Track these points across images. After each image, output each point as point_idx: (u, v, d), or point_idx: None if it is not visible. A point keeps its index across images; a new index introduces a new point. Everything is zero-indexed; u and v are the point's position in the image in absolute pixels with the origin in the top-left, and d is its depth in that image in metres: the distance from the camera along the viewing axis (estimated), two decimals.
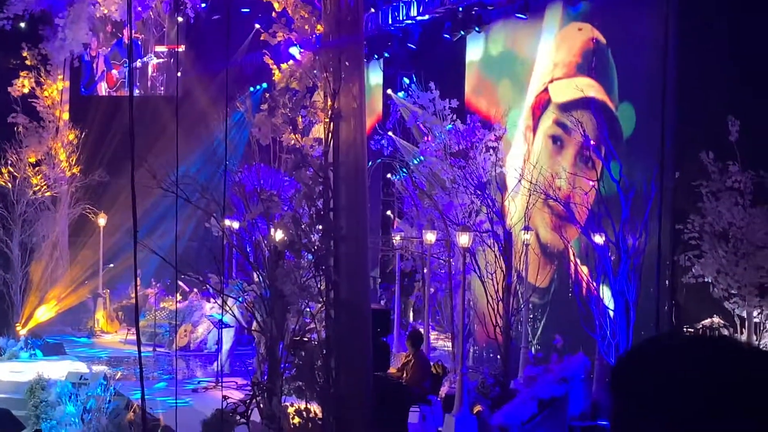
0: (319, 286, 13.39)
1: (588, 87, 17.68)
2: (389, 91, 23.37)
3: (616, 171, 15.73)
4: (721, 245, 13.33)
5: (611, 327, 15.03)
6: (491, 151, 18.15)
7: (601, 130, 16.22)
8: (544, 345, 18.42)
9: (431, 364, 16.11)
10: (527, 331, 17.88)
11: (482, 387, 15.99)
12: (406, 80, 21.92)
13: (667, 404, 1.73)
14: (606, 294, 15.49)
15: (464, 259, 15.95)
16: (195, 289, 23.90)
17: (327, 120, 13.36)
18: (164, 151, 16.48)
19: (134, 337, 12.55)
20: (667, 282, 15.85)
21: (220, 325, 18.95)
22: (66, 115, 24.03)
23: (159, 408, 15.95)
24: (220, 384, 16.84)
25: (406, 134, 21.83)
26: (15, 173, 22.74)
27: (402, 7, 22.12)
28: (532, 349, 18.24)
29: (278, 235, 13.57)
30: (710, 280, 13.56)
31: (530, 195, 17.01)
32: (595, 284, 15.67)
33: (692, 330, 14.44)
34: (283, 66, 14.63)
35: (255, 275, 14.02)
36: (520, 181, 17.49)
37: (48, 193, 23.32)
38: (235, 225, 15.12)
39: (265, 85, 25.36)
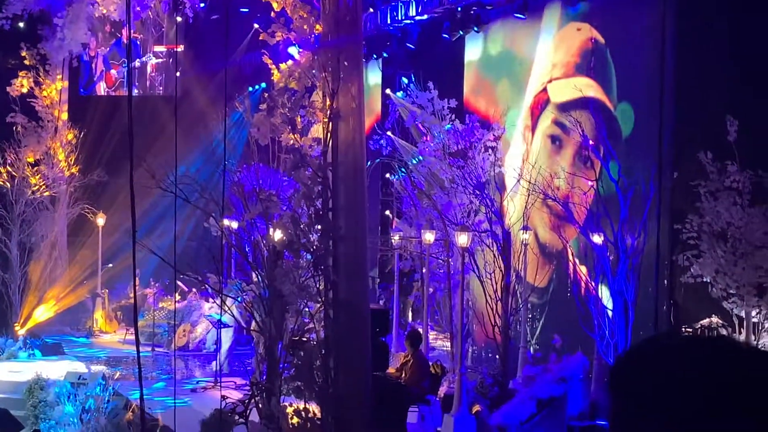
0: (317, 286, 13.39)
1: (587, 87, 17.69)
2: (388, 91, 23.36)
3: (615, 171, 15.74)
4: (720, 245, 13.34)
5: (610, 327, 15.04)
6: (490, 151, 18.15)
7: (600, 130, 16.22)
8: (543, 345, 18.43)
9: (430, 364, 16.11)
10: (526, 331, 17.88)
11: (481, 387, 16.00)
12: (405, 80, 21.92)
13: (665, 404, 1.73)
14: (605, 294, 15.50)
15: (463, 259, 15.96)
16: (194, 289, 23.90)
17: (326, 120, 13.36)
18: (163, 150, 16.49)
19: (133, 337, 12.54)
20: (665, 282, 15.86)
21: (219, 325, 18.94)
22: (65, 115, 24.04)
23: (158, 408, 15.95)
24: (218, 384, 16.84)
25: (405, 134, 21.83)
26: (14, 173, 22.75)
27: (401, 6, 22.11)
28: (531, 348, 18.24)
29: (277, 234, 13.57)
30: (709, 280, 13.56)
31: (529, 195, 17.01)
32: (593, 284, 15.68)
33: (691, 330, 14.45)
34: (282, 66, 14.63)
35: (254, 275, 14.02)
36: (518, 181, 17.50)
37: (47, 193, 23.33)
38: (234, 225, 15.12)
39: (263, 84, 25.36)
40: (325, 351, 13.11)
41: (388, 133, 21.79)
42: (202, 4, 24.67)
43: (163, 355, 21.97)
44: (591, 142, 16.35)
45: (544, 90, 19.50)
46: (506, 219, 17.51)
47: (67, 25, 22.77)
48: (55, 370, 17.75)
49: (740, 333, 13.44)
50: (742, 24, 14.67)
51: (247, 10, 24.96)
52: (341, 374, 13.00)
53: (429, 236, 18.54)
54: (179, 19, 26.09)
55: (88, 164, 24.40)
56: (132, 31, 22.19)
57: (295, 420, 13.15)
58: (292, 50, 14.83)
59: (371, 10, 22.54)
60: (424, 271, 19.63)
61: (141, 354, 10.15)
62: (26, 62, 22.93)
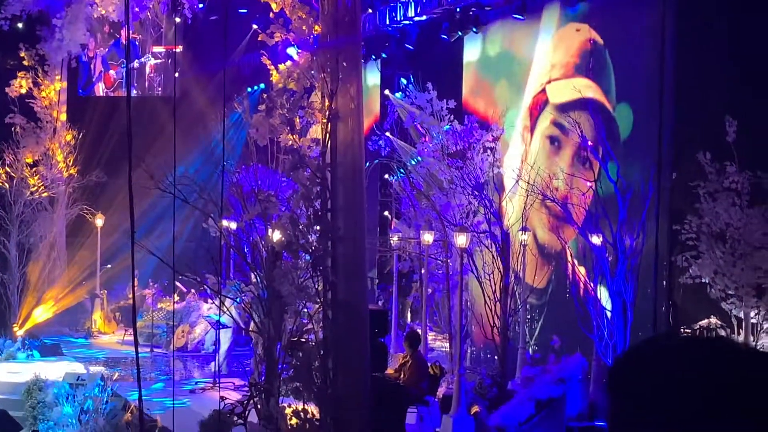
0: (316, 286, 13.38)
1: (585, 87, 17.69)
2: (387, 92, 23.36)
3: (614, 171, 15.74)
4: (719, 246, 13.35)
5: (608, 327, 15.04)
6: (489, 151, 18.15)
7: (599, 131, 16.23)
8: (542, 345, 18.44)
9: (429, 364, 16.11)
10: (525, 332, 17.88)
11: (480, 388, 15.99)
12: (404, 81, 21.91)
13: (664, 405, 1.73)
14: (603, 294, 15.50)
15: (462, 260, 15.96)
16: (192, 290, 23.89)
17: (324, 121, 13.35)
18: (162, 151, 16.48)
19: (132, 338, 12.53)
20: (664, 282, 15.86)
21: (218, 325, 18.94)
22: (63, 116, 24.03)
23: (156, 409, 15.95)
24: (217, 385, 16.84)
25: (404, 135, 21.83)
26: (12, 174, 22.74)
27: (399, 7, 22.11)
28: (530, 349, 18.24)
29: (276, 235, 13.57)
30: (707, 281, 13.57)
31: (528, 195, 17.02)
32: (592, 285, 15.68)
33: (689, 331, 14.45)
34: (281, 66, 14.63)
35: (252, 276, 14.01)
36: (517, 181, 17.50)
37: (45, 194, 23.32)
38: (233, 225, 15.12)
39: (262, 85, 25.36)
40: (323, 352, 13.10)
41: (387, 134, 21.79)
42: (200, 5, 24.67)
43: (162, 355, 21.96)
44: (590, 143, 16.36)
45: (543, 91, 19.51)
46: (505, 220, 17.51)
47: (66, 26, 22.77)
48: (54, 370, 17.73)
49: (739, 334, 13.44)
50: (741, 24, 14.67)
51: (245, 10, 24.97)
52: (340, 375, 12.99)
53: (428, 237, 18.54)
54: (178, 19, 26.09)
55: (86, 165, 24.40)
56: (131, 31, 22.19)
57: (294, 421, 13.14)
58: (291, 51, 14.83)
59: (370, 10, 22.54)
60: (422, 271, 19.63)
61: (140, 355, 10.15)
62: (25, 63, 22.93)
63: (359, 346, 13.25)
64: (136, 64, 27.74)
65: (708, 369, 1.73)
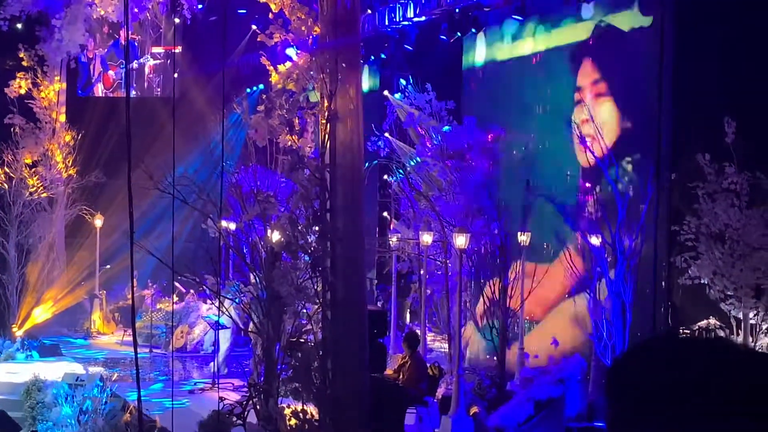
0: (315, 287, 13.38)
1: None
2: (386, 93, 23.35)
3: (613, 172, 15.75)
4: (718, 247, 13.36)
5: (608, 328, 15.04)
6: (488, 152, 18.14)
7: (598, 131, 16.25)
8: (541, 346, 18.42)
9: (428, 365, 16.11)
10: (524, 332, 17.87)
11: (479, 388, 15.99)
12: (403, 81, 21.92)
13: (663, 406, 1.73)
14: (602, 295, 15.50)
15: (461, 261, 15.96)
16: (192, 291, 23.88)
17: (324, 121, 13.36)
18: (161, 152, 16.48)
19: (131, 339, 12.53)
20: (663, 283, 15.87)
21: (217, 326, 18.93)
22: (63, 117, 24.02)
23: (155, 409, 15.94)
24: (216, 385, 16.83)
25: (403, 136, 21.82)
26: (11, 174, 22.73)
27: (399, 8, 22.11)
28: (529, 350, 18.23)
29: (275, 236, 13.57)
30: (706, 282, 13.58)
31: (527, 196, 17.02)
32: (591, 286, 15.68)
33: (688, 331, 14.46)
34: (280, 67, 14.63)
35: (252, 276, 14.01)
36: (516, 182, 17.50)
37: (44, 194, 23.31)
38: (232, 226, 15.11)
39: (261, 86, 25.35)
40: (322, 352, 13.11)
41: (386, 134, 21.79)
42: (200, 6, 24.65)
43: (161, 356, 21.95)
44: (589, 144, 16.36)
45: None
46: (504, 221, 17.51)
47: (65, 27, 22.76)
48: (53, 371, 17.71)
49: (738, 334, 13.45)
50: (740, 26, 14.68)
51: (245, 11, 24.96)
52: (339, 376, 12.99)
53: (427, 238, 18.54)
54: (177, 20, 26.06)
55: (86, 165, 24.39)
56: (130, 32, 22.19)
57: (293, 421, 13.14)
58: (290, 52, 14.83)
59: (369, 11, 22.54)
60: (421, 272, 19.63)
61: (139, 355, 10.15)
62: (24, 63, 22.92)
63: (358, 346, 13.25)
64: (135, 64, 27.74)
65: (707, 370, 1.73)
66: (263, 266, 13.53)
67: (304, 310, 13.64)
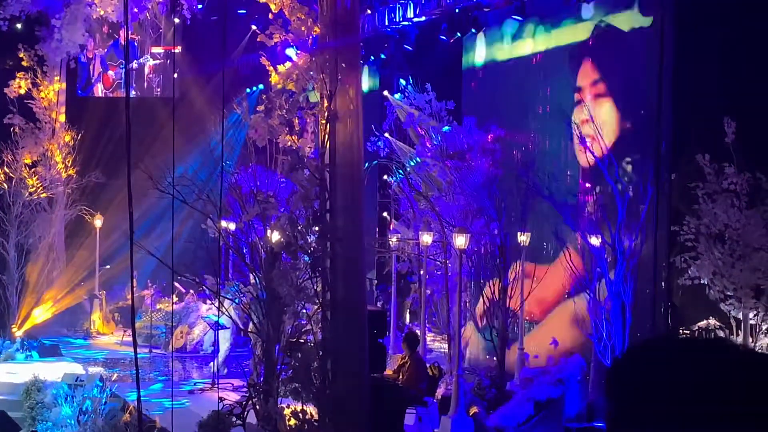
0: (315, 287, 13.38)
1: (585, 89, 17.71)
2: (386, 93, 23.35)
3: (613, 172, 15.75)
4: (717, 247, 13.36)
5: (607, 329, 15.04)
6: (488, 152, 18.15)
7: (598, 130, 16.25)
8: (541, 346, 18.42)
9: (427, 365, 16.11)
10: (524, 333, 17.87)
11: (478, 389, 15.99)
12: (403, 82, 21.92)
13: (662, 407, 1.73)
14: (602, 295, 15.50)
15: (461, 261, 15.96)
16: (191, 291, 23.88)
17: (323, 121, 13.36)
18: (161, 152, 16.47)
19: (130, 339, 12.53)
20: (663, 284, 15.87)
21: (217, 326, 18.93)
22: (62, 117, 24.02)
23: (155, 409, 15.94)
24: (216, 385, 16.83)
25: (403, 136, 21.82)
26: (11, 174, 22.73)
27: (398, 8, 22.10)
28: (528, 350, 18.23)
29: (275, 236, 13.57)
30: (706, 282, 13.58)
31: (527, 197, 17.02)
32: (591, 286, 15.68)
33: (688, 332, 14.46)
34: (280, 68, 14.63)
35: (251, 277, 14.01)
36: (516, 182, 17.49)
37: (44, 195, 23.31)
38: (232, 226, 15.11)
39: (261, 86, 25.35)
40: (322, 353, 13.10)
41: (386, 134, 21.78)
42: (199, 6, 24.66)
43: (161, 356, 21.95)
44: (589, 144, 16.35)
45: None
46: (504, 220, 17.51)
47: (65, 27, 22.76)
48: (53, 371, 17.71)
49: (738, 335, 13.45)
50: (740, 26, 14.68)
51: (244, 11, 24.96)
52: (339, 376, 12.99)
53: (426, 238, 18.54)
54: (177, 20, 26.05)
55: (85, 166, 24.39)
56: (129, 32, 22.19)
57: (293, 422, 13.14)
58: (290, 52, 14.83)
59: (369, 11, 22.54)
60: (421, 272, 19.63)
61: (138, 355, 10.14)
62: (24, 63, 22.93)
63: (358, 347, 13.25)
64: (135, 64, 27.73)
65: (706, 370, 1.73)
66: (263, 266, 13.53)
67: (304, 311, 13.64)
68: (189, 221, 19.22)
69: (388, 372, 16.04)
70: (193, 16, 24.45)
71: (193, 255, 17.61)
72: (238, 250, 14.79)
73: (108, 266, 26.30)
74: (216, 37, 23.78)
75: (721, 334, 13.72)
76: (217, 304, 15.21)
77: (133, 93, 26.93)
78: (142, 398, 10.94)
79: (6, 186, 22.71)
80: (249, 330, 14.30)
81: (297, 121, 14.54)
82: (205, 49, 26.63)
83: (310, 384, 13.04)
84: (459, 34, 21.06)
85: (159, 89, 28.68)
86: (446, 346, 19.22)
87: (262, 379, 13.46)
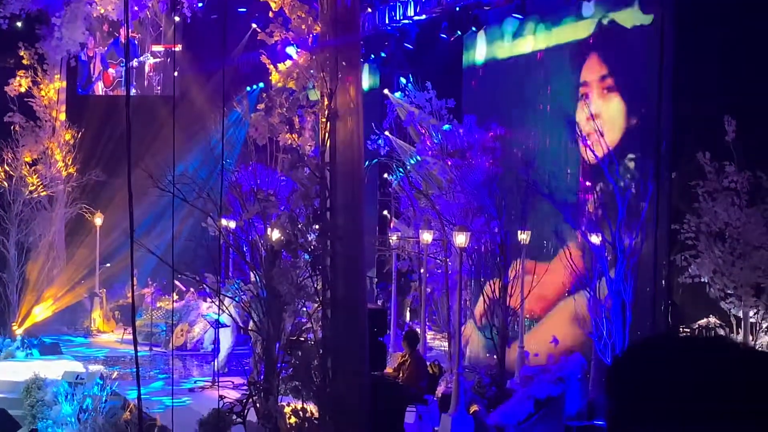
0: (315, 285, 13.38)
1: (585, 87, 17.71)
2: (386, 91, 23.36)
3: (613, 170, 15.75)
4: (718, 245, 13.36)
5: (608, 327, 15.05)
6: (488, 150, 18.15)
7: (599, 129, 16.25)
8: (541, 345, 18.43)
9: (428, 363, 16.11)
10: (524, 331, 17.88)
11: (479, 387, 15.99)
12: (403, 80, 21.92)
13: (663, 405, 1.73)
14: (602, 293, 15.50)
15: (461, 259, 15.96)
16: (192, 289, 23.89)
17: (324, 120, 13.36)
18: (161, 150, 16.48)
19: (131, 337, 12.53)
20: (663, 282, 15.87)
21: (217, 325, 18.93)
22: (62, 115, 24.02)
23: (155, 408, 15.95)
24: (216, 383, 16.83)
25: (403, 134, 21.83)
26: (11, 172, 22.74)
27: (399, 6, 22.10)
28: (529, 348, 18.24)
29: (275, 234, 13.57)
30: (706, 280, 13.58)
31: (527, 195, 17.02)
32: (591, 284, 15.68)
33: (688, 330, 14.47)
34: (281, 66, 14.63)
35: (252, 275, 14.01)
36: (516, 181, 17.50)
37: (44, 193, 23.31)
38: (232, 225, 15.11)
39: (261, 84, 25.35)
40: (322, 351, 13.11)
41: (386, 133, 21.79)
42: (200, 4, 24.66)
43: (161, 354, 21.96)
44: (589, 142, 16.36)
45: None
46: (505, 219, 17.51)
47: (65, 25, 22.76)
48: (53, 369, 17.72)
49: (738, 333, 13.45)
50: (740, 25, 14.68)
51: (245, 9, 24.96)
52: (339, 374, 12.99)
53: (427, 236, 18.54)
54: (177, 18, 26.07)
55: (86, 164, 24.40)
56: (130, 30, 22.17)
57: (293, 420, 13.15)
58: (290, 50, 14.83)
59: (369, 10, 22.53)
60: (422, 271, 19.63)
61: (139, 354, 10.14)
62: (24, 62, 22.93)
63: (358, 345, 13.25)
64: (135, 63, 27.73)
65: (707, 368, 1.73)
66: (263, 265, 13.53)
67: (304, 309, 13.64)
68: (189, 219, 19.25)
69: (389, 370, 16.04)
70: (194, 15, 24.45)
71: (193, 253, 17.64)
72: (239, 248, 14.78)
73: (108, 264, 26.32)
74: (216, 35, 23.79)
75: (722, 332, 13.72)
76: (217, 303, 15.22)
77: (133, 91, 26.93)
78: (142, 396, 10.95)
79: (6, 184, 22.71)
80: (249, 328, 14.30)
81: (297, 119, 14.54)
82: (205, 47, 26.64)
83: (310, 382, 13.04)
84: (459, 33, 21.06)
85: (159, 87, 28.68)
86: (446, 344, 19.23)
87: (262, 377, 13.46)
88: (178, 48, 27.42)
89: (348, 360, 13.06)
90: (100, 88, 28.27)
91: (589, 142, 16.32)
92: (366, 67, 23.36)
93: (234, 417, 13.49)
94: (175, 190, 13.00)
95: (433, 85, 19.94)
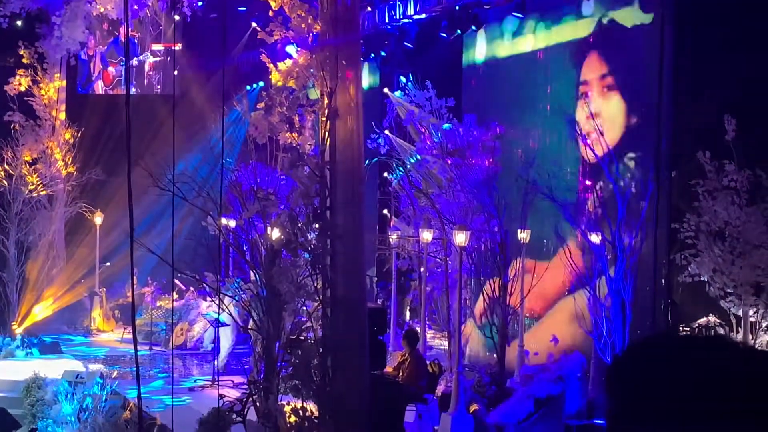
0: (315, 284, 13.38)
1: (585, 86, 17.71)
2: (386, 90, 23.36)
3: (613, 170, 15.75)
4: (717, 244, 13.36)
5: (607, 326, 15.04)
6: (488, 149, 18.15)
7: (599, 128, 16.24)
8: (541, 343, 18.43)
9: (427, 362, 16.11)
10: (524, 330, 17.88)
11: (478, 386, 15.99)
12: (403, 79, 21.92)
13: (663, 404, 1.73)
14: (602, 292, 15.50)
15: (461, 258, 15.96)
16: (191, 288, 23.90)
17: (324, 119, 13.35)
18: (161, 149, 16.48)
19: (131, 336, 12.54)
20: (663, 281, 15.87)
21: (217, 324, 18.94)
22: (62, 114, 24.03)
23: (155, 407, 15.95)
24: (216, 383, 16.84)
25: (403, 133, 21.82)
26: (11, 171, 22.75)
27: (399, 5, 22.10)
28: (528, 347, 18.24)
29: (275, 233, 13.57)
30: (706, 279, 13.58)
31: (527, 194, 17.01)
32: (591, 283, 15.68)
33: (688, 329, 14.47)
34: (280, 65, 14.63)
35: (251, 274, 14.02)
36: (516, 180, 17.49)
37: (44, 192, 23.32)
38: (232, 224, 15.11)
39: (261, 83, 25.35)
40: (322, 350, 13.11)
41: (386, 132, 21.79)
42: (200, 3, 24.66)
43: (161, 353, 21.97)
44: (589, 141, 16.35)
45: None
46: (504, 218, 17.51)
47: (65, 24, 22.77)
48: (53, 368, 17.73)
49: (738, 332, 13.45)
50: (740, 24, 14.68)
51: (244, 8, 24.96)
52: (339, 373, 12.99)
53: (427, 235, 18.54)
54: (177, 17, 26.08)
55: (86, 163, 24.42)
56: (130, 29, 22.17)
57: (293, 419, 13.15)
58: (290, 49, 14.83)
59: (369, 9, 22.53)
60: (421, 270, 19.64)
61: (138, 353, 10.15)
62: (24, 61, 22.93)
63: (358, 344, 13.25)
64: (135, 61, 27.73)
65: (706, 368, 1.73)
66: (263, 264, 13.53)
67: (304, 308, 13.64)
68: (189, 218, 19.26)
69: (388, 369, 16.05)
70: (194, 14, 24.46)
71: (193, 252, 17.62)
72: (239, 247, 14.79)
73: (108, 263, 26.32)
74: (216, 34, 23.80)
75: (721, 331, 13.72)
76: (217, 302, 15.21)
77: (133, 90, 26.93)
78: (142, 395, 10.95)
79: (6, 183, 22.72)
80: (249, 327, 14.30)
81: (297, 118, 14.54)
82: (205, 46, 26.64)
83: (310, 381, 13.05)
84: (459, 32, 21.06)
85: (159, 86, 28.69)
86: (446, 343, 19.23)
87: (262, 376, 13.46)
88: (178, 47, 27.42)
89: (348, 359, 13.06)
90: (100, 87, 28.27)
91: (588, 141, 16.31)
92: (366, 66, 23.35)
93: (234, 416, 13.49)
94: (175, 189, 13.00)
95: (433, 84, 19.94)
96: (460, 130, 18.60)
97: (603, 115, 17.04)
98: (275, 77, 14.69)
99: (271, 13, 14.59)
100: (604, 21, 17.95)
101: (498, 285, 16.82)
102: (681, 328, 14.89)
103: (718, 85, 14.89)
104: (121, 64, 27.45)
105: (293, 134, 14.38)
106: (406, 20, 22.26)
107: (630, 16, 17.24)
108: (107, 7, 23.00)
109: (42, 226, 23.31)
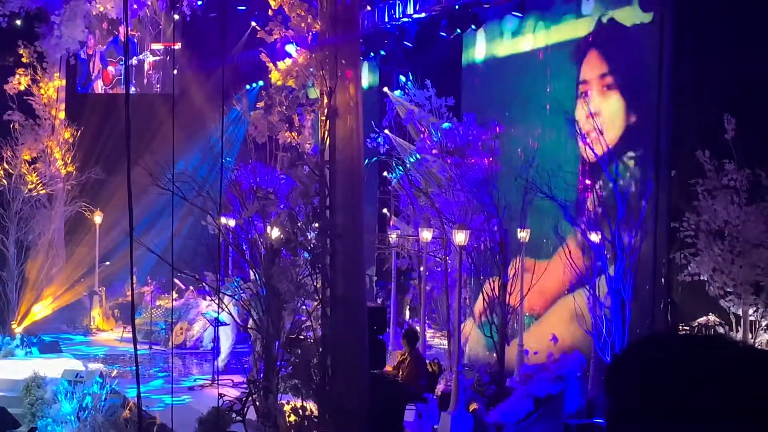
0: (315, 283, 13.39)
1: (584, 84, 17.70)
2: (385, 89, 23.34)
3: (613, 169, 15.75)
4: (717, 243, 13.36)
5: (607, 325, 15.04)
6: (488, 149, 18.15)
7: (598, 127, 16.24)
8: (541, 343, 18.43)
9: (427, 362, 16.11)
10: (523, 329, 17.88)
11: (478, 385, 15.99)
12: (403, 78, 21.91)
13: (662, 403, 1.73)
14: (602, 292, 15.50)
15: (460, 257, 15.95)
16: (191, 287, 23.90)
17: (323, 118, 13.36)
18: (161, 148, 16.47)
19: (130, 335, 12.54)
20: (662, 280, 15.87)
21: (217, 323, 18.94)
22: (62, 113, 24.04)
23: (155, 406, 15.95)
24: (216, 382, 16.84)
25: (403, 132, 21.82)
26: (11, 170, 22.75)
27: (398, 4, 22.09)
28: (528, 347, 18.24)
29: (274, 233, 13.58)
30: (706, 278, 13.58)
31: (527, 193, 17.00)
32: (591, 282, 15.68)
33: (688, 328, 14.47)
34: (280, 64, 14.63)
35: (251, 273, 14.03)
36: (516, 179, 17.48)
37: (43, 191, 23.32)
38: (232, 223, 15.11)
39: (261, 82, 25.35)
40: (322, 349, 13.11)
41: (386, 131, 21.78)
42: (199, 2, 24.66)
43: (161, 353, 21.97)
44: (588, 140, 16.35)
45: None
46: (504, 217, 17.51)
47: (65, 23, 22.77)
48: (53, 367, 17.74)
49: (737, 331, 13.45)
50: (739, 24, 14.68)
51: (244, 7, 24.96)
52: (338, 372, 13.00)
53: (426, 234, 18.54)
54: (177, 16, 26.06)
55: (85, 162, 24.42)
56: (129, 28, 22.17)
57: (293, 418, 13.16)
58: (290, 48, 14.83)
59: (369, 8, 22.52)
60: (421, 269, 19.63)
61: (138, 352, 10.15)
62: (24, 60, 22.94)
63: (358, 343, 13.26)
64: (134, 61, 27.72)
65: (706, 367, 1.73)
66: (263, 263, 13.54)
67: (304, 307, 13.65)
68: (189, 218, 19.29)
69: (388, 368, 16.04)
70: (193, 13, 24.46)
71: (193, 251, 17.68)
72: (238, 246, 14.80)
73: (108, 263, 26.31)
74: (216, 33, 23.81)
75: (721, 330, 13.72)
76: (217, 301, 15.22)
77: (132, 89, 26.92)
78: (142, 394, 10.95)
79: (6, 182, 22.73)
80: (249, 326, 14.31)
81: (297, 117, 14.54)
82: (204, 45, 26.64)
83: (309, 380, 13.05)
84: (459, 31, 21.05)
85: (159, 86, 28.68)
86: (446, 342, 19.22)
87: (261, 375, 13.47)
88: (178, 46, 27.40)
89: (347, 358, 13.07)
90: (99, 87, 28.26)
91: (588, 140, 16.31)
92: (365, 65, 23.35)
93: (233, 415, 13.50)
94: (174, 188, 13.01)
95: (432, 83, 19.93)
96: (459, 130, 18.60)
97: (603, 114, 17.03)
98: (275, 76, 14.69)
99: (270, 12, 14.59)
100: (604, 20, 17.94)
101: (498, 284, 16.81)
102: (680, 327, 14.89)
103: (717, 85, 14.89)
104: (121, 63, 27.44)
105: (293, 133, 14.38)
106: (405, 19, 22.25)
107: (630, 15, 17.24)
108: (107, 6, 23.00)
109: (41, 225, 23.31)
